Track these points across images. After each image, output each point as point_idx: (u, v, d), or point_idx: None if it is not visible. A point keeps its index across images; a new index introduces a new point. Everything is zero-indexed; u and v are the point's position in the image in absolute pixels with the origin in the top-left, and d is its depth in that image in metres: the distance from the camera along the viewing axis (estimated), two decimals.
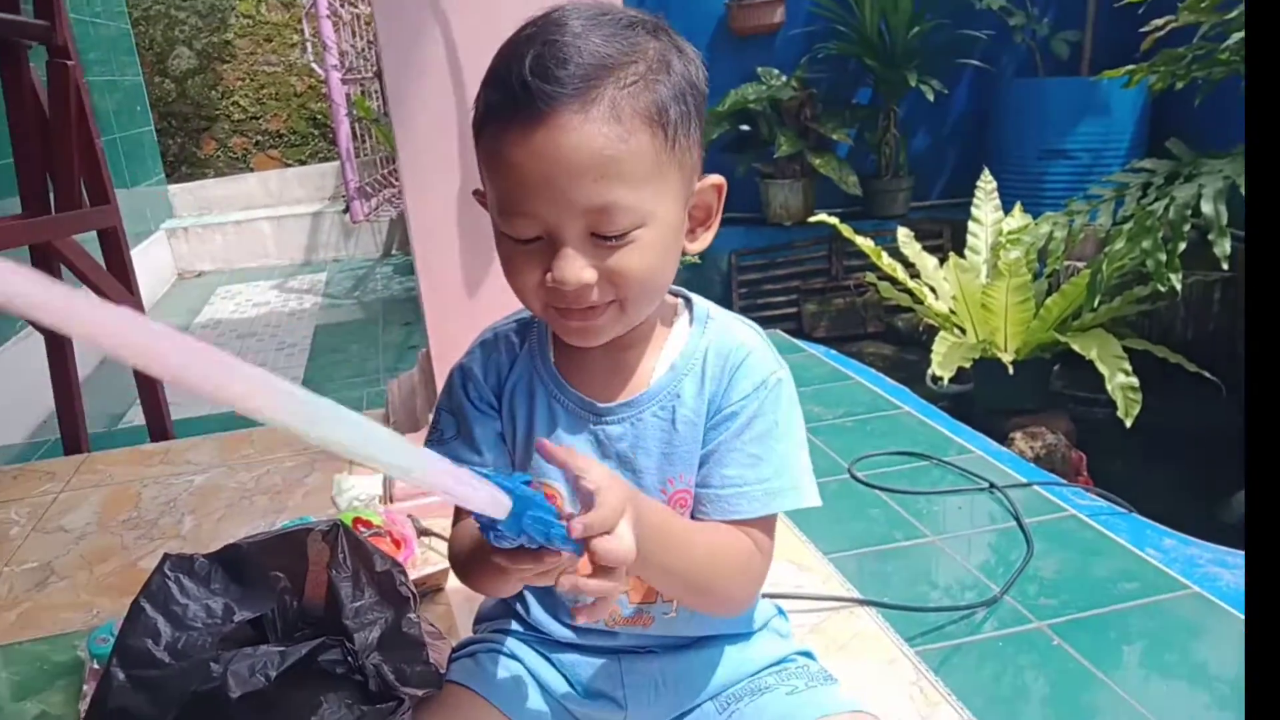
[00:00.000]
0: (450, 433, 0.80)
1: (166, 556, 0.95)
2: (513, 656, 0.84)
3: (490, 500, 0.57)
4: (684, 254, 0.74)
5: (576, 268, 0.66)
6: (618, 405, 0.76)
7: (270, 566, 0.94)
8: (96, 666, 1.11)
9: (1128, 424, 2.44)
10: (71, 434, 2.12)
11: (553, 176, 0.63)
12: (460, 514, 0.81)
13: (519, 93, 0.64)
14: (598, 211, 0.64)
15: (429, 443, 0.81)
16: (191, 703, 0.74)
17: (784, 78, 4.16)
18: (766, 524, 0.76)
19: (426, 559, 1.32)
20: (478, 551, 0.69)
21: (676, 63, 0.68)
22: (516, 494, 0.58)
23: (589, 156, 0.63)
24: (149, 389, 2.21)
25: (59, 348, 2.09)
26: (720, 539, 0.75)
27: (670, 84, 0.67)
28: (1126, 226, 2.49)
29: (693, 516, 0.77)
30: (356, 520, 1.30)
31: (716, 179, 0.74)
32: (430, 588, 1.29)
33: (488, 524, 0.59)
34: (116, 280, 2.13)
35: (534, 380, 0.78)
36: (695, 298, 0.81)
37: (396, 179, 4.79)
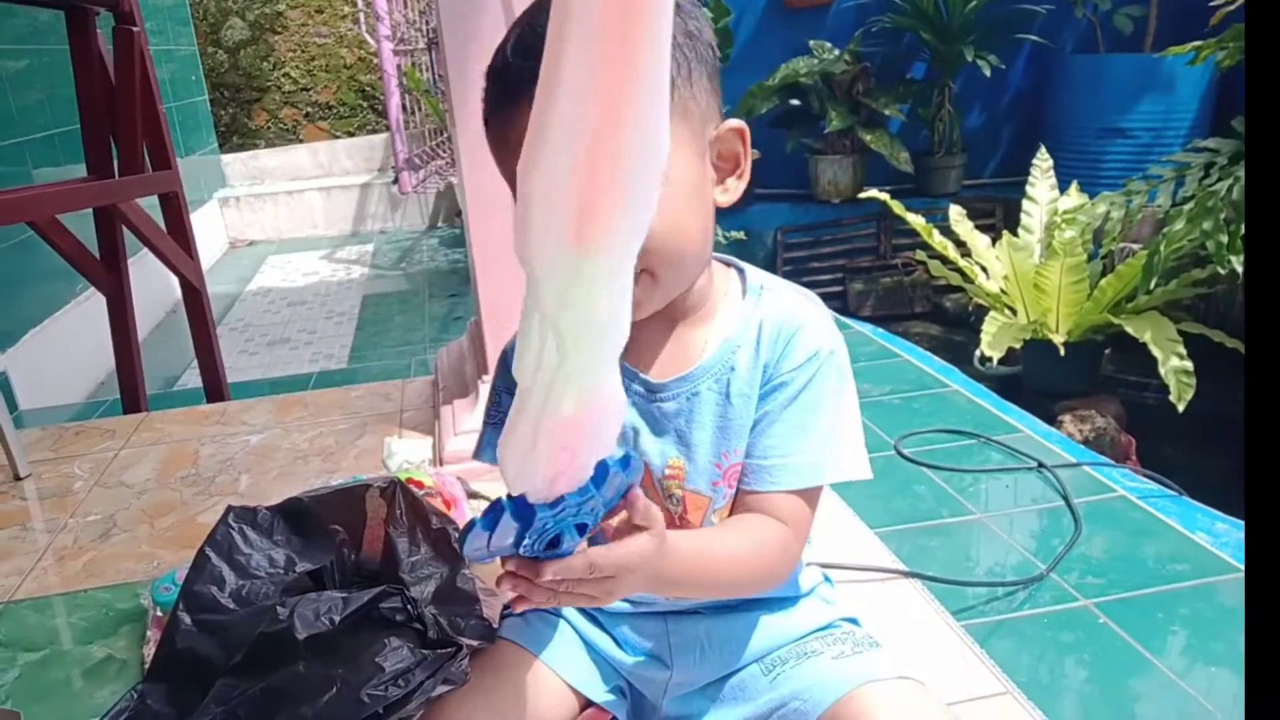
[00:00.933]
0: None
1: (230, 508, 0.98)
2: (561, 616, 0.86)
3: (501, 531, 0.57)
4: (718, 206, 0.72)
5: None
6: (672, 381, 0.76)
7: (330, 520, 0.97)
8: (160, 614, 1.16)
9: (1180, 409, 2.40)
10: (131, 394, 2.19)
11: None
12: None
13: (504, 79, 0.65)
14: None
15: (490, 422, 0.82)
16: (258, 643, 0.77)
17: (836, 51, 4.11)
18: (809, 496, 0.75)
19: None
20: None
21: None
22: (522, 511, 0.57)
23: None
24: (205, 351, 2.27)
25: (121, 310, 2.15)
26: (755, 541, 0.74)
27: None
28: (1187, 207, 2.43)
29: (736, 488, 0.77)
30: (409, 480, 1.33)
31: (736, 123, 0.71)
32: None
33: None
34: (177, 244, 2.19)
35: None
36: (749, 268, 0.80)
37: (445, 151, 4.82)
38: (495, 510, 0.56)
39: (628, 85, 0.43)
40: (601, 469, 0.57)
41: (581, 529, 0.60)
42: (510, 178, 0.67)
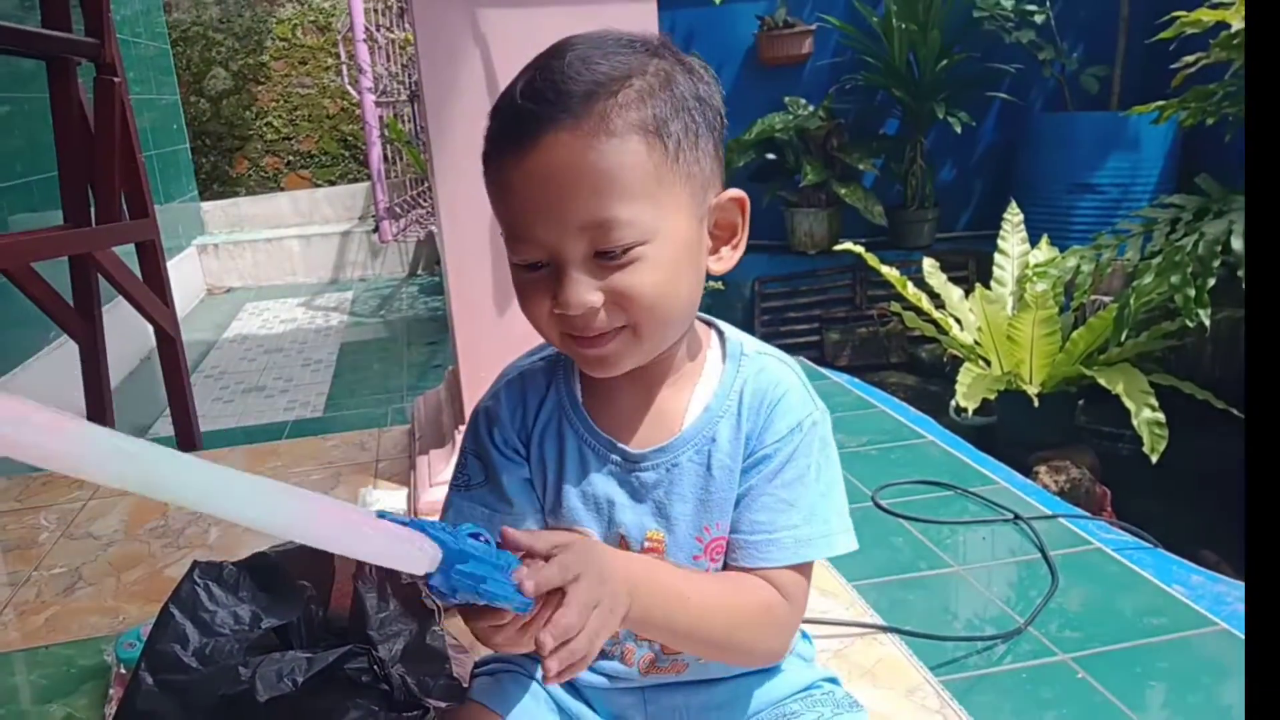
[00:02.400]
0: (479, 479, 0.77)
1: (196, 564, 0.96)
2: (533, 679, 0.83)
3: (411, 555, 0.55)
4: (709, 275, 0.71)
5: (580, 290, 0.63)
6: (651, 451, 0.74)
7: (297, 575, 0.95)
8: (123, 671, 1.13)
9: (1154, 460, 2.42)
10: None
11: (548, 196, 0.62)
12: None
13: (512, 118, 0.64)
14: (596, 227, 0.62)
15: (455, 487, 0.79)
16: (220, 706, 0.75)
17: (811, 107, 4.19)
18: (800, 570, 0.74)
19: None
20: (475, 611, 0.66)
21: (680, 77, 0.66)
22: (449, 546, 0.57)
23: (581, 171, 0.62)
24: (178, 400, 2.24)
25: (93, 358, 2.12)
26: (734, 587, 0.72)
27: (671, 97, 0.64)
28: (1155, 261, 2.47)
29: (724, 564, 0.75)
30: None
31: (736, 193, 0.70)
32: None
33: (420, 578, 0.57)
34: (152, 292, 2.17)
35: (563, 422, 0.76)
36: (728, 329, 0.79)
37: (425, 200, 4.85)
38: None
39: None
40: (446, 548, 0.57)
41: (476, 579, 0.59)
42: (502, 216, 0.67)
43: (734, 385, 0.74)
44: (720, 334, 0.78)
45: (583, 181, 0.62)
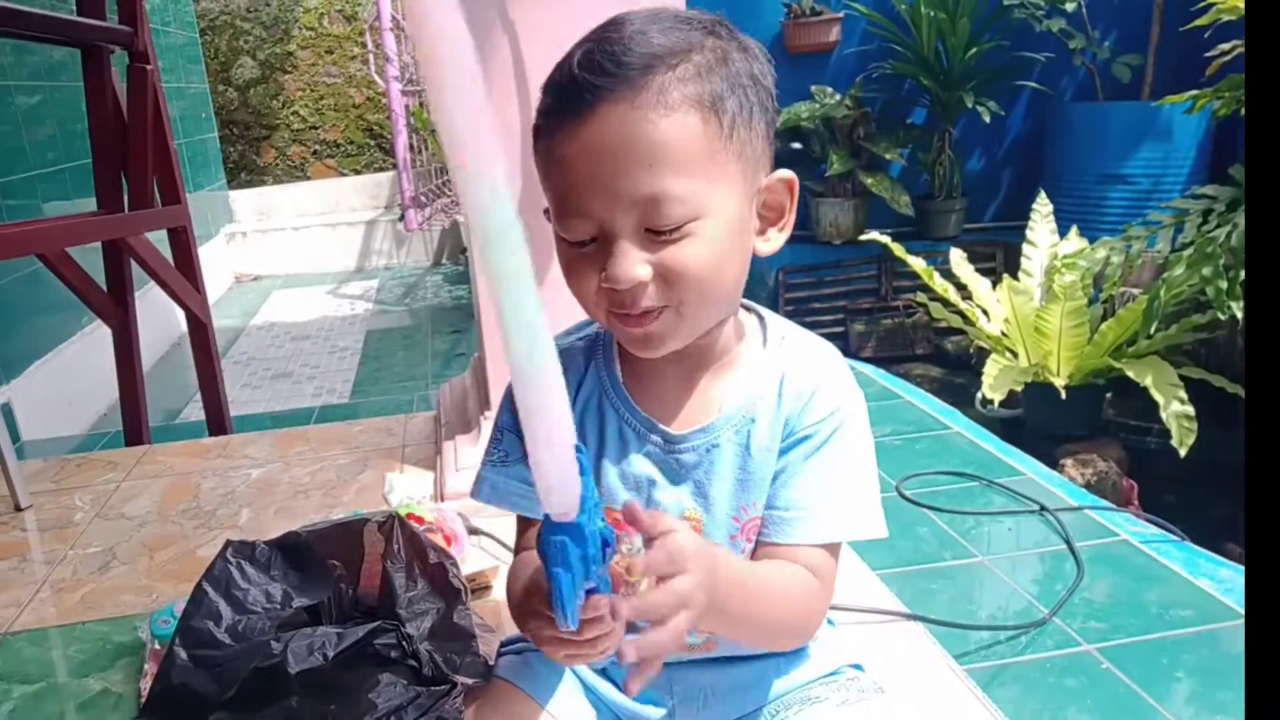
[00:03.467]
0: (515, 454, 0.77)
1: (229, 543, 0.98)
2: None
3: (564, 484, 0.54)
4: (756, 254, 0.71)
5: (629, 263, 0.63)
6: (692, 433, 0.74)
7: (328, 555, 0.97)
8: (158, 647, 1.15)
9: (1182, 453, 2.39)
10: (134, 426, 2.19)
11: (602, 169, 0.62)
12: (521, 543, 0.79)
13: (568, 89, 0.64)
14: (648, 202, 0.62)
15: (489, 463, 0.79)
16: (252, 677, 0.76)
17: (838, 96, 4.16)
18: (831, 551, 0.74)
19: (476, 557, 1.35)
20: (529, 599, 0.65)
21: (736, 56, 0.66)
22: (588, 501, 0.55)
23: (636, 144, 0.61)
24: (209, 384, 2.27)
25: (126, 342, 2.16)
26: (789, 582, 0.72)
27: (727, 74, 0.65)
28: (1186, 253, 2.44)
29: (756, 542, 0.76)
30: (409, 516, 1.33)
31: (786, 174, 0.70)
32: (478, 585, 1.31)
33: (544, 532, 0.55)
34: (184, 278, 2.20)
35: (604, 401, 0.76)
36: (769, 315, 0.79)
37: (450, 189, 4.87)
38: (558, 550, 0.55)
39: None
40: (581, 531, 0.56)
41: (590, 591, 0.58)
42: (553, 190, 0.67)
43: (774, 369, 0.74)
44: (761, 320, 0.79)
45: (637, 154, 0.62)
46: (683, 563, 0.60)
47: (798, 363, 0.75)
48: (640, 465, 0.75)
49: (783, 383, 0.74)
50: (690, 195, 0.63)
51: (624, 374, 0.77)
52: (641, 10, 0.67)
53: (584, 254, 0.66)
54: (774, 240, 0.72)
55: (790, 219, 0.72)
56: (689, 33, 0.65)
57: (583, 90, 0.63)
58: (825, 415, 0.73)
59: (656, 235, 0.64)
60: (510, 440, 0.78)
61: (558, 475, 0.55)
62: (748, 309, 0.79)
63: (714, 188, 0.64)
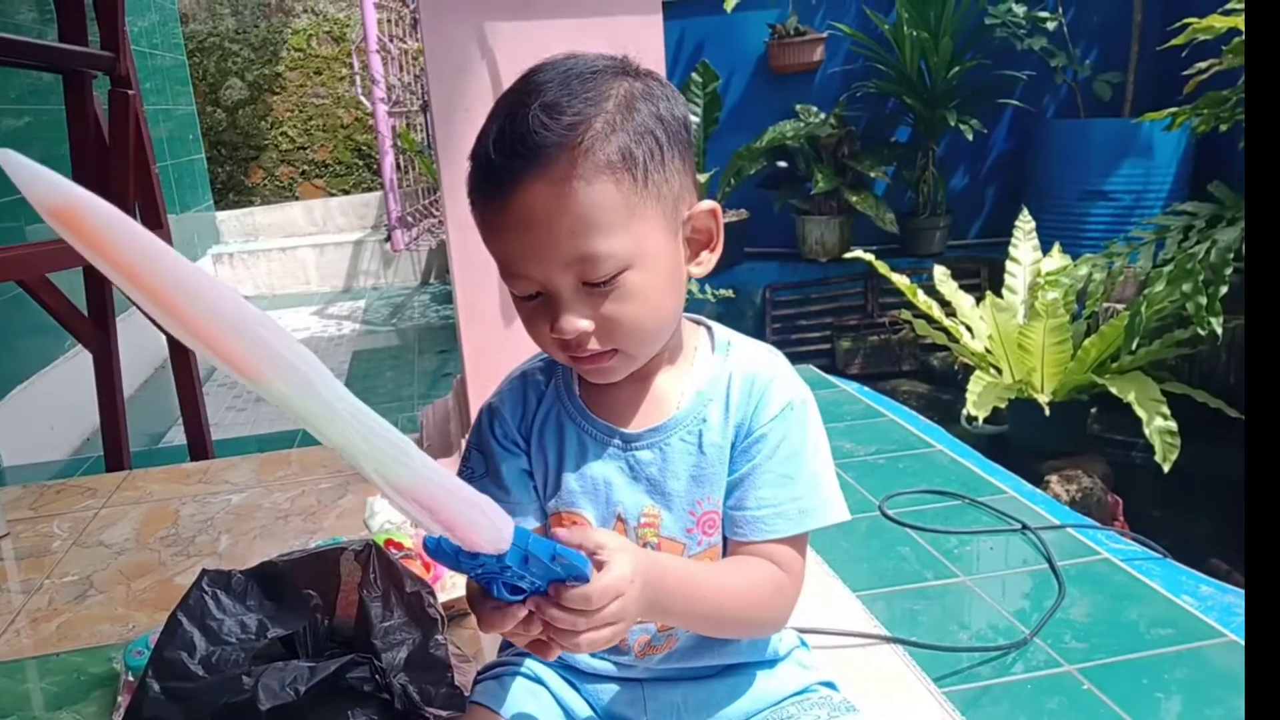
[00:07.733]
0: (480, 470, 0.82)
1: (204, 572, 0.97)
2: (537, 680, 0.85)
3: (484, 526, 0.58)
4: (690, 278, 0.76)
5: (571, 318, 0.69)
6: (645, 431, 0.78)
7: (304, 584, 0.97)
8: (131, 679, 1.13)
9: (1165, 469, 2.40)
10: (114, 451, 2.17)
11: (532, 240, 0.68)
12: None
13: (488, 171, 0.69)
14: (580, 261, 0.68)
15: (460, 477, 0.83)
16: (223, 714, 0.76)
17: (822, 115, 4.20)
18: (799, 542, 0.78)
19: (455, 582, 1.34)
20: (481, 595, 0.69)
21: (641, 103, 0.70)
22: (520, 530, 0.59)
23: (558, 217, 0.66)
24: (191, 409, 2.26)
25: (107, 368, 2.15)
26: (748, 575, 0.76)
27: (634, 128, 0.69)
28: (1167, 269, 2.46)
29: (725, 538, 0.79)
30: (388, 542, 1.32)
31: (709, 205, 0.75)
32: (458, 611, 1.30)
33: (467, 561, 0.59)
34: None
35: (562, 414, 0.81)
36: (714, 325, 0.84)
37: (437, 209, 4.87)
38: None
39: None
40: (517, 552, 0.59)
41: (515, 590, 0.61)
42: (495, 254, 0.72)
43: (723, 371, 0.79)
44: (709, 330, 0.83)
45: (561, 225, 0.67)
46: (613, 593, 0.63)
47: (745, 364, 0.79)
48: (599, 469, 0.79)
49: (730, 383, 0.78)
50: (616, 250, 0.68)
51: (580, 387, 0.81)
52: (557, 61, 0.71)
53: (534, 305, 0.72)
54: (706, 263, 0.77)
55: (719, 240, 0.77)
56: (599, 84, 0.69)
57: (501, 174, 0.67)
58: (778, 412, 0.77)
59: (594, 288, 0.69)
60: (475, 457, 0.82)
61: (478, 520, 0.59)
62: (695, 322, 0.84)
63: (639, 236, 0.69)
